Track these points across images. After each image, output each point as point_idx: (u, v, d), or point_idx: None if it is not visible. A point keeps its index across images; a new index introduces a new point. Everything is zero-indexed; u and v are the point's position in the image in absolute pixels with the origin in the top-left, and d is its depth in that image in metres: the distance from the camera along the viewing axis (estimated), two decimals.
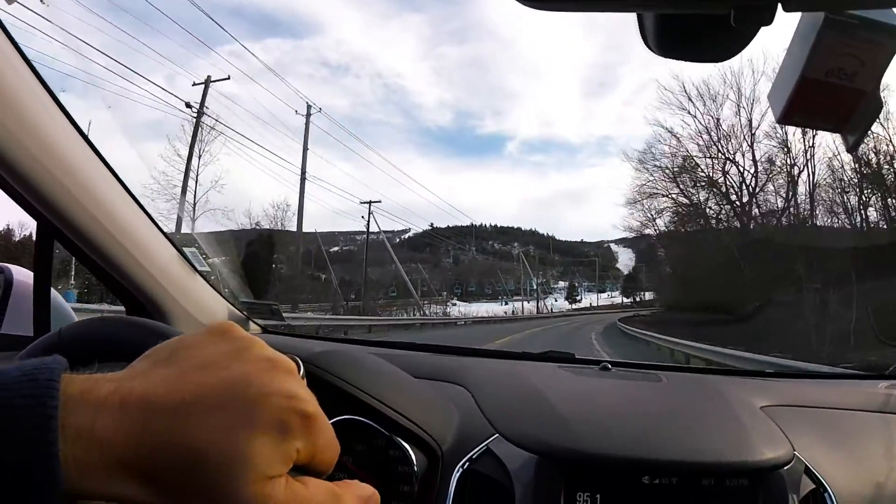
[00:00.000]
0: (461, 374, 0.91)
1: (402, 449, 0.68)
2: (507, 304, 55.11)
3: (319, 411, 0.33)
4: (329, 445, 0.34)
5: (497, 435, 0.71)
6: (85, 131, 0.85)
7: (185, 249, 1.02)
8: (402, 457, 0.68)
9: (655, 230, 25.07)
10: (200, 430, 0.29)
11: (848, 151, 0.50)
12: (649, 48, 0.40)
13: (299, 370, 0.34)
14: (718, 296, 16.36)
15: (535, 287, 56.68)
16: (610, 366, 1.03)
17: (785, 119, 0.45)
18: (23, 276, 1.00)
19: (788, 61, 0.44)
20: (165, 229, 1.00)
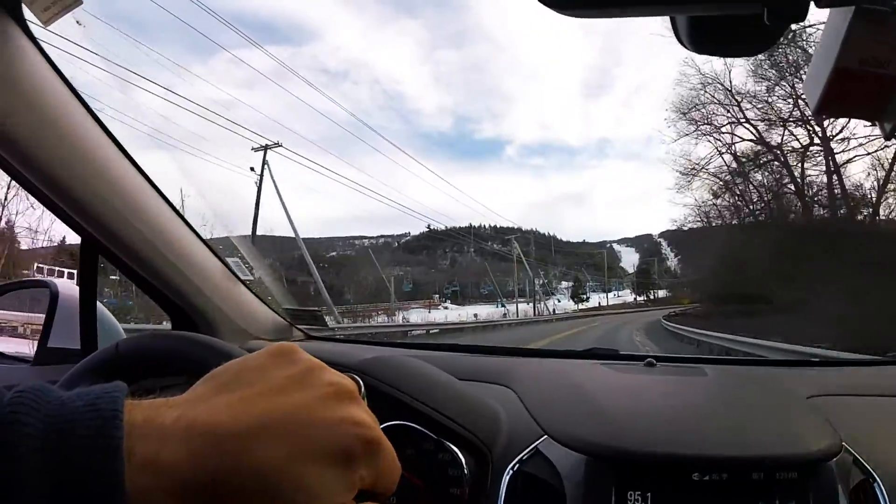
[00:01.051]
0: (505, 374, 0.91)
1: (452, 452, 0.68)
2: (502, 306, 53.15)
3: (382, 436, 0.33)
4: (391, 468, 0.34)
5: (546, 436, 0.71)
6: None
7: (229, 259, 1.03)
8: (452, 460, 0.68)
9: (703, 219, 23.95)
10: (265, 458, 0.29)
11: (886, 139, 0.51)
12: (682, 45, 0.41)
13: (360, 390, 0.34)
14: (765, 286, 16.19)
15: (535, 287, 53.84)
16: (655, 361, 1.02)
17: (821, 110, 0.44)
18: (68, 289, 1.01)
19: (821, 52, 0.43)
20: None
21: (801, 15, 0.36)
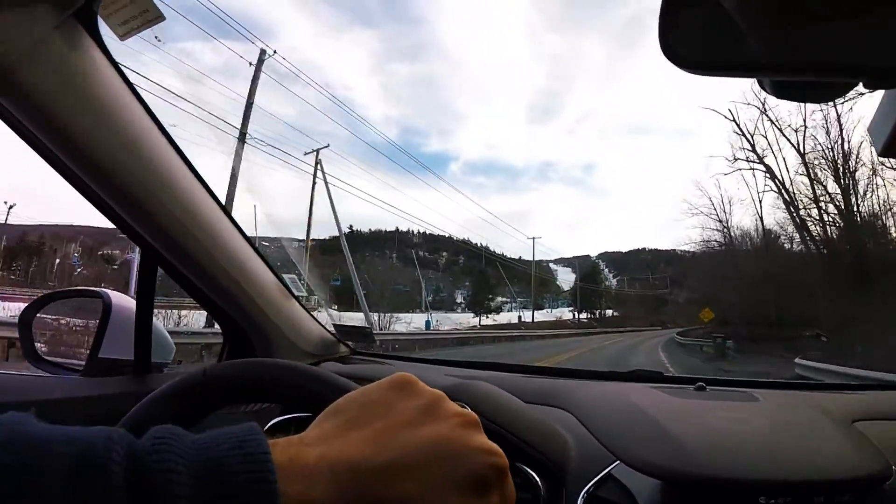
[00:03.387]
0: (562, 397, 0.92)
1: (527, 475, 0.67)
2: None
3: (508, 463, 0.35)
4: (514, 495, 0.35)
5: (618, 461, 0.71)
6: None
7: (285, 276, 1.03)
8: (524, 483, 0.67)
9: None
10: (409, 490, 0.30)
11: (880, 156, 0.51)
12: (763, 89, 0.42)
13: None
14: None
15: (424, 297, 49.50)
16: (705, 385, 1.02)
17: (887, 152, 0.45)
18: (121, 300, 1.01)
19: (890, 94, 0.44)
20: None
21: None
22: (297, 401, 0.55)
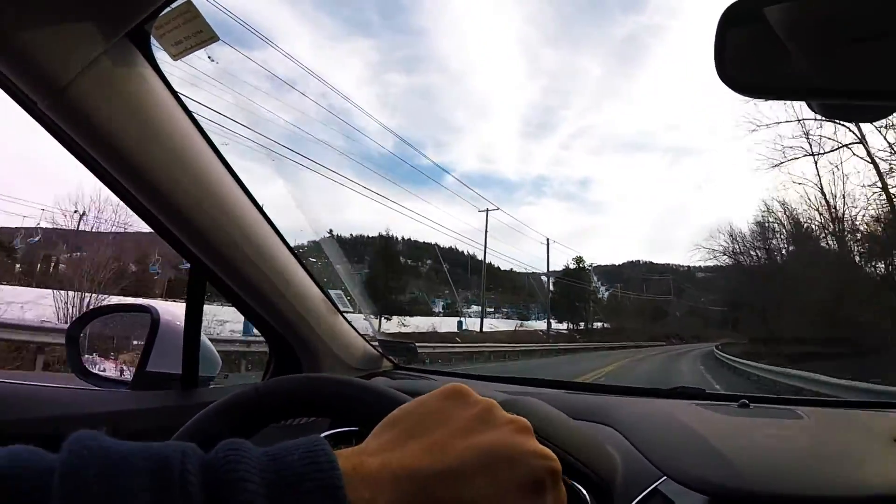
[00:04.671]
0: (606, 413, 0.92)
1: (575, 490, 0.66)
2: None
3: (560, 467, 0.36)
4: (564, 498, 0.36)
5: (665, 477, 0.72)
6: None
7: (332, 292, 1.02)
8: (573, 498, 0.66)
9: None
10: (469, 494, 0.31)
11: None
12: (812, 110, 0.44)
13: None
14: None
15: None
16: (748, 402, 1.03)
17: None
18: (169, 314, 1.02)
19: None
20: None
21: None
22: (351, 415, 0.56)
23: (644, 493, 0.71)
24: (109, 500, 0.23)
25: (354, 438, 0.77)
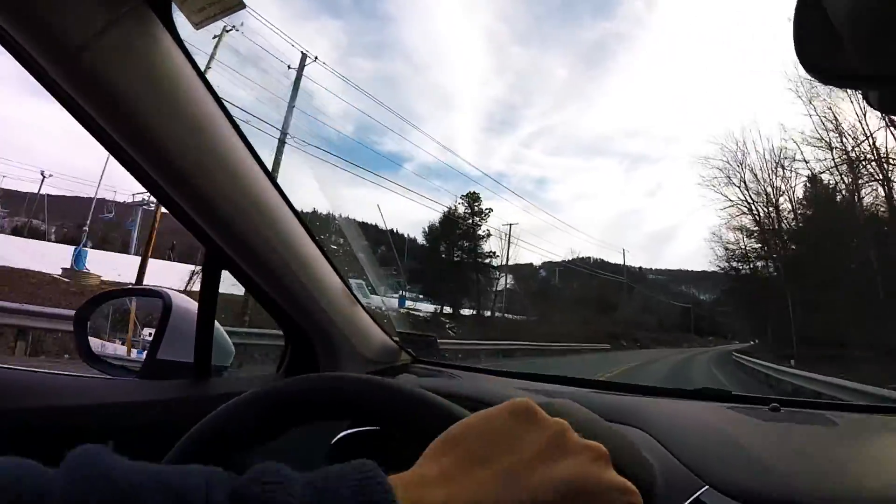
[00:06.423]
0: (634, 414, 0.88)
1: None
2: None
3: (642, 501, 0.34)
4: None
5: (707, 486, 0.68)
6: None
7: (353, 282, 0.98)
8: None
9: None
10: None
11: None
12: (868, 103, 0.42)
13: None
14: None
15: None
16: (779, 406, 0.99)
17: None
18: (181, 301, 0.98)
19: None
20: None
21: None
22: (375, 415, 0.51)
23: (686, 501, 0.67)
24: None
25: (374, 438, 0.72)
